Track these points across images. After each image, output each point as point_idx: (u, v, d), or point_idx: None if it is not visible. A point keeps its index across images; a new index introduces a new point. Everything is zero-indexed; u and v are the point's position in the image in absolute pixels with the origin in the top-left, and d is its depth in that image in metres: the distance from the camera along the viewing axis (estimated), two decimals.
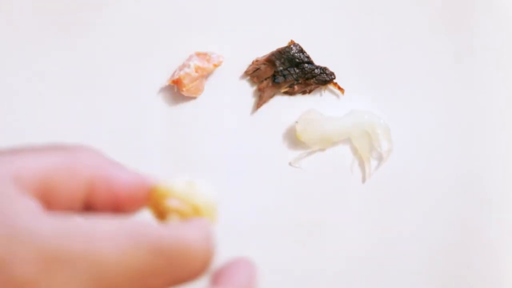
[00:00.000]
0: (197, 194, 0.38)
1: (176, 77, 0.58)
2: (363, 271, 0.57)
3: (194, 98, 0.60)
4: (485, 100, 0.61)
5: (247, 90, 0.60)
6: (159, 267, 0.28)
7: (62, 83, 0.59)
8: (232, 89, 0.60)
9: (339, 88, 0.60)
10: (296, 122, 0.58)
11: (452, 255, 0.58)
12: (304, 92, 0.60)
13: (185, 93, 0.58)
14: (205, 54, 0.59)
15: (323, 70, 0.60)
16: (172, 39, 0.60)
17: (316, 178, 0.59)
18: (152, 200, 0.37)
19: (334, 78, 0.60)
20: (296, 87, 0.60)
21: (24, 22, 0.60)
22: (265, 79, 0.60)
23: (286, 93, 0.60)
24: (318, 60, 0.60)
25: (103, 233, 0.28)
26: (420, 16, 0.62)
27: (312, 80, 0.60)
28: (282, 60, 0.60)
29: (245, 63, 0.60)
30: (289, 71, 0.60)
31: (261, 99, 0.60)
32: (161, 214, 0.36)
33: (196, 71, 0.58)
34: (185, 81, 0.58)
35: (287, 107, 0.60)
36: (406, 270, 0.58)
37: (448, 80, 0.61)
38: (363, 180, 0.59)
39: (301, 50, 0.60)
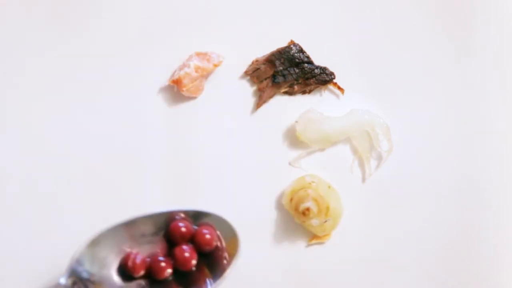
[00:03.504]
0: (333, 198, 0.56)
1: (176, 77, 0.58)
2: (363, 270, 0.57)
3: (194, 98, 0.60)
4: (485, 100, 0.61)
5: (247, 90, 0.60)
6: None
7: (61, 83, 0.59)
8: (232, 89, 0.60)
9: (339, 88, 0.60)
10: (296, 121, 0.58)
11: (452, 255, 0.58)
12: (304, 92, 0.60)
13: (185, 93, 0.58)
14: (205, 54, 0.59)
15: (323, 70, 0.60)
16: (172, 39, 0.60)
17: None
18: (299, 186, 0.55)
19: (334, 78, 0.60)
20: (296, 87, 0.60)
21: (24, 21, 0.60)
22: (265, 79, 0.60)
23: (286, 93, 0.60)
24: (318, 60, 0.60)
25: None
26: (420, 16, 0.62)
27: (312, 80, 0.60)
28: (282, 60, 0.60)
29: (245, 63, 0.60)
30: (289, 71, 0.60)
31: (261, 99, 0.60)
32: (302, 199, 0.55)
33: (196, 71, 0.58)
34: (185, 81, 0.58)
35: (287, 107, 0.60)
36: (406, 270, 0.58)
37: (448, 80, 0.61)
38: (363, 180, 0.59)
39: (301, 50, 0.60)
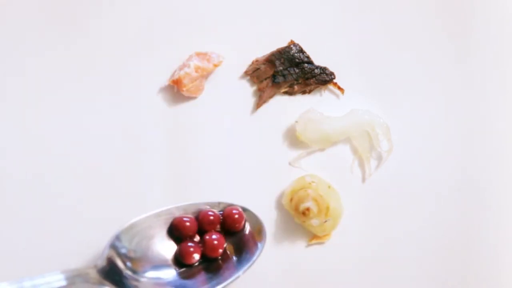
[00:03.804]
0: (333, 198, 0.56)
1: (176, 77, 0.58)
2: (363, 270, 0.57)
3: (194, 98, 0.60)
4: (485, 100, 0.61)
5: (247, 90, 0.60)
6: None
7: (61, 83, 0.59)
8: (232, 89, 0.60)
9: (339, 88, 0.60)
10: (296, 121, 0.58)
11: (452, 255, 0.58)
12: (304, 92, 0.60)
13: (185, 93, 0.58)
14: (205, 54, 0.59)
15: (323, 70, 0.60)
16: (172, 39, 0.60)
17: None
18: (299, 186, 0.56)
19: (334, 78, 0.60)
20: (296, 87, 0.60)
21: (23, 21, 0.60)
22: (265, 79, 0.60)
23: (286, 93, 0.60)
24: (318, 60, 0.60)
25: None
26: (420, 16, 0.62)
27: (312, 80, 0.60)
28: (282, 60, 0.60)
29: (245, 63, 0.60)
30: (289, 71, 0.60)
31: (261, 99, 0.60)
32: (302, 199, 0.55)
33: (196, 71, 0.58)
34: (185, 81, 0.58)
35: (287, 107, 0.60)
36: (406, 270, 0.58)
37: (448, 80, 0.61)
38: (363, 180, 0.59)
39: (301, 50, 0.60)
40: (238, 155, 0.59)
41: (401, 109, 0.60)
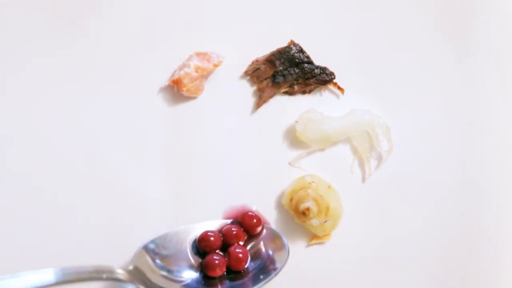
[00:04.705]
0: (333, 198, 0.56)
1: (176, 77, 0.58)
2: (363, 270, 0.57)
3: (194, 98, 0.60)
4: (485, 100, 0.61)
5: (247, 90, 0.60)
6: None
7: (61, 83, 0.59)
8: (232, 89, 0.60)
9: (339, 88, 0.60)
10: (296, 121, 0.58)
11: (452, 255, 0.58)
12: (304, 92, 0.60)
13: (185, 93, 0.58)
14: (205, 54, 0.59)
15: (323, 70, 0.60)
16: (172, 39, 0.60)
17: None
18: (299, 186, 0.56)
19: (334, 78, 0.60)
20: (296, 87, 0.60)
21: (24, 22, 0.60)
22: (265, 79, 0.60)
23: (286, 93, 0.60)
24: (318, 60, 0.60)
25: None
26: (420, 16, 0.62)
27: (312, 80, 0.60)
28: (282, 60, 0.60)
29: (245, 63, 0.60)
30: (289, 71, 0.60)
31: (261, 99, 0.60)
32: (302, 199, 0.55)
33: (196, 71, 0.58)
34: (185, 81, 0.58)
35: (287, 107, 0.60)
36: (406, 270, 0.58)
37: (448, 80, 0.61)
38: (363, 180, 0.59)
39: (301, 50, 0.60)
40: (238, 155, 0.59)
41: (401, 109, 0.60)
